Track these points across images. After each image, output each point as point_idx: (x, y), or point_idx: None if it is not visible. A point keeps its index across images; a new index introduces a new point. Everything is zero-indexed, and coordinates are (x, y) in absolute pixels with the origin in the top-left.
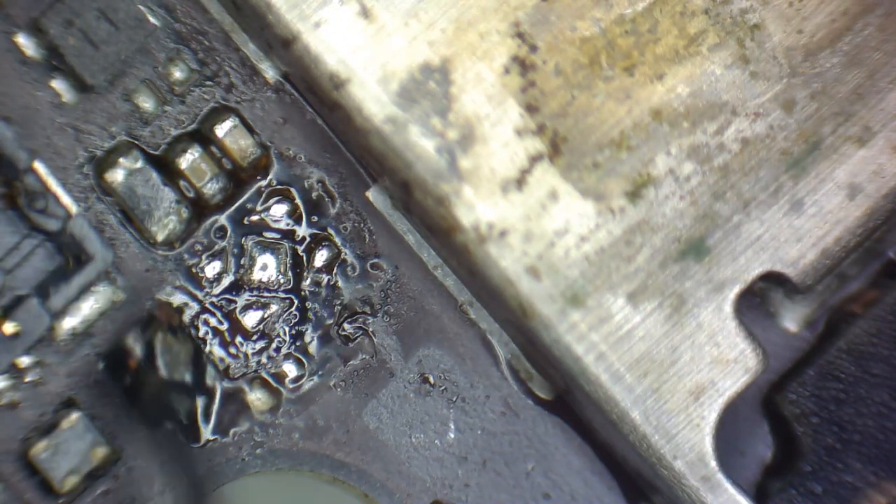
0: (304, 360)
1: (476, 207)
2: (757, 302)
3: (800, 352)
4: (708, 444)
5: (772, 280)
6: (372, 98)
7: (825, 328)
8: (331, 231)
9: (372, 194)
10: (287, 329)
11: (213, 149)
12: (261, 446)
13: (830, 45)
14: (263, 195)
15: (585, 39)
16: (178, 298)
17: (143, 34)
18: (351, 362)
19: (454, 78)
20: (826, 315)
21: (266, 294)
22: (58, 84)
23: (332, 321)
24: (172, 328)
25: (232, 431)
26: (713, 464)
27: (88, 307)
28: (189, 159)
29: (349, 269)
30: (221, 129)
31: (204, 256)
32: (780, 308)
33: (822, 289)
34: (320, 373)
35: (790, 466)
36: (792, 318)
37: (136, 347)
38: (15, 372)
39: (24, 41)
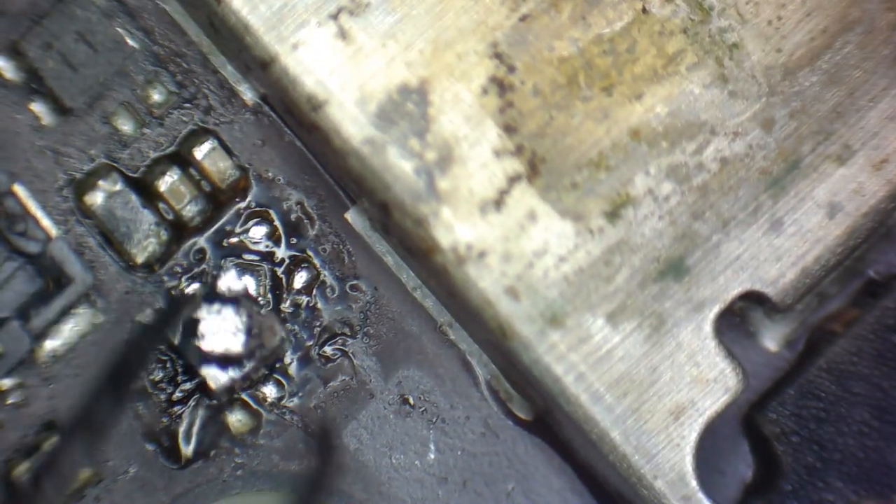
0: (284, 382)
1: (455, 228)
2: (737, 321)
3: (780, 371)
4: (688, 464)
5: (752, 299)
6: (350, 119)
7: (805, 347)
8: (310, 253)
9: (351, 216)
10: None
11: (192, 171)
12: (241, 467)
13: (810, 63)
14: (242, 217)
15: (563, 59)
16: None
17: (121, 57)
18: (331, 384)
19: (432, 99)
20: (806, 334)
21: None
22: (37, 107)
23: (311, 343)
24: None
25: (213, 453)
26: (693, 483)
27: (69, 329)
28: (168, 182)
29: (328, 290)
30: (200, 152)
31: (184, 279)
32: (760, 327)
33: (802, 308)
34: (300, 394)
35: (771, 485)
36: (772, 338)
37: None
38: None
39: (3, 64)
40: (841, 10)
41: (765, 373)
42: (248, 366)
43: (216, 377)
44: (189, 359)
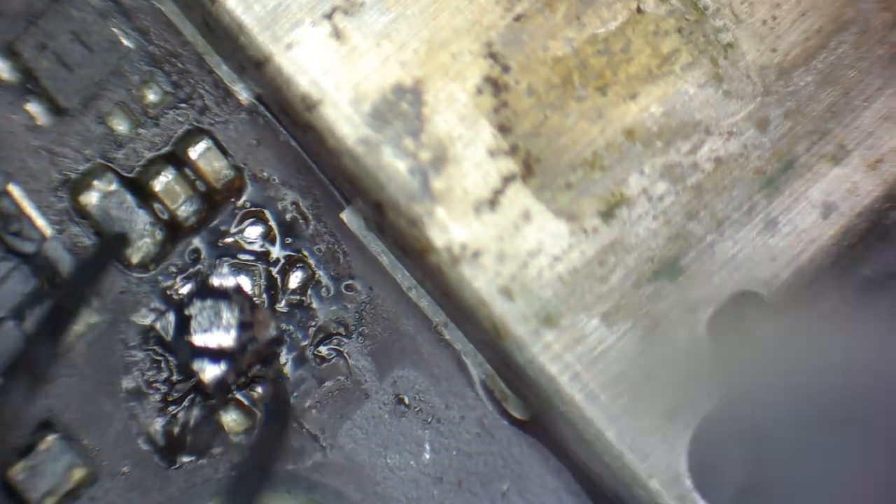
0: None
1: (449, 228)
2: (733, 321)
3: None
4: (683, 464)
5: (747, 299)
6: (344, 119)
7: None
8: (305, 252)
9: (346, 216)
10: None
11: (187, 171)
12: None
13: (804, 63)
14: (237, 217)
15: (558, 59)
16: (153, 321)
17: (116, 57)
18: (326, 384)
19: (427, 98)
20: None
21: None
22: (32, 107)
23: (306, 342)
24: None
25: (208, 453)
26: (688, 483)
27: None
28: (163, 181)
29: (324, 290)
30: (195, 152)
31: (179, 278)
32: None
33: (799, 308)
34: (295, 394)
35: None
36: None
37: None
38: None
39: None
40: (836, 10)
41: None
42: (241, 359)
43: (208, 370)
44: (181, 353)
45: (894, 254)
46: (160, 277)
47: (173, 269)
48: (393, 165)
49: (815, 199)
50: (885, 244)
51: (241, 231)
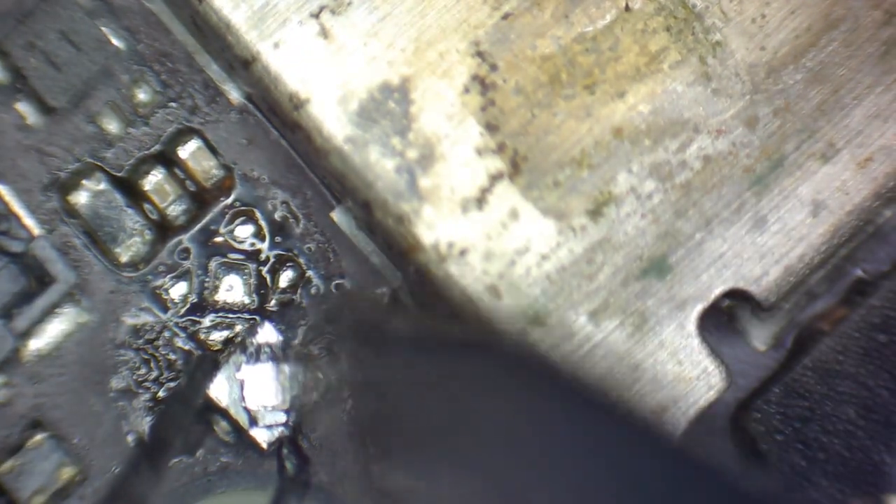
0: None
1: (436, 226)
2: (725, 320)
3: (768, 370)
4: None
5: (737, 297)
6: (331, 118)
7: (793, 346)
8: (295, 252)
9: (336, 215)
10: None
11: (177, 170)
12: (226, 466)
13: (794, 61)
14: (227, 216)
15: (546, 58)
16: (143, 320)
17: (105, 56)
18: None
19: (414, 97)
20: (794, 333)
21: (231, 315)
22: (22, 106)
23: (297, 342)
24: None
25: (198, 451)
26: None
27: (54, 329)
28: (153, 181)
29: (314, 289)
30: (185, 151)
31: (168, 278)
32: (748, 326)
33: (790, 307)
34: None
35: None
36: (760, 337)
37: None
38: None
39: None
40: (825, 8)
41: (753, 372)
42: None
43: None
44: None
45: (886, 253)
46: (150, 276)
47: (163, 268)
48: (380, 164)
49: (805, 197)
50: (879, 243)
51: (232, 230)
